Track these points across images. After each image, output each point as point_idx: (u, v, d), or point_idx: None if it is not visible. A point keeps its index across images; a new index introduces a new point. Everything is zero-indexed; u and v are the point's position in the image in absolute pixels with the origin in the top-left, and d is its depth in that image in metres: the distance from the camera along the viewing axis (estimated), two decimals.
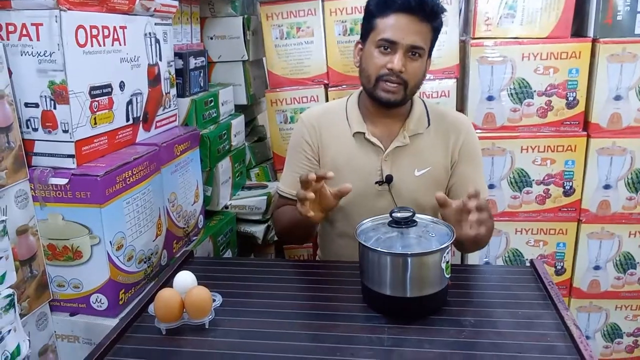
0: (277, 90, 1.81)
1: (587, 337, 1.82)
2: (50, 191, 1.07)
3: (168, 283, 1.09)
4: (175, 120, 1.50)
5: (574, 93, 1.65)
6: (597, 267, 1.77)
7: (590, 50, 1.62)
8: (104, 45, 1.15)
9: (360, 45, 1.29)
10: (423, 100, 1.36)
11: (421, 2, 1.17)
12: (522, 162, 1.71)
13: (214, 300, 1.01)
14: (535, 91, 1.66)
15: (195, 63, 1.62)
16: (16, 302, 0.92)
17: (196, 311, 0.97)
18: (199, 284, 1.01)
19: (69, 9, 1.03)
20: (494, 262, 1.80)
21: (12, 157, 1.01)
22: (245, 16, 1.87)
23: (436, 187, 1.31)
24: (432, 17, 1.20)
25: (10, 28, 1.03)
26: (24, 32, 1.03)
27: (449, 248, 0.99)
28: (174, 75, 1.48)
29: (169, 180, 1.36)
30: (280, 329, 0.98)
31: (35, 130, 1.08)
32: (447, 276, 1.00)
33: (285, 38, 1.78)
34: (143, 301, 1.06)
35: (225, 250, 1.72)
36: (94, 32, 1.11)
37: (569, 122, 1.68)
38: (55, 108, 1.06)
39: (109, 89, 1.17)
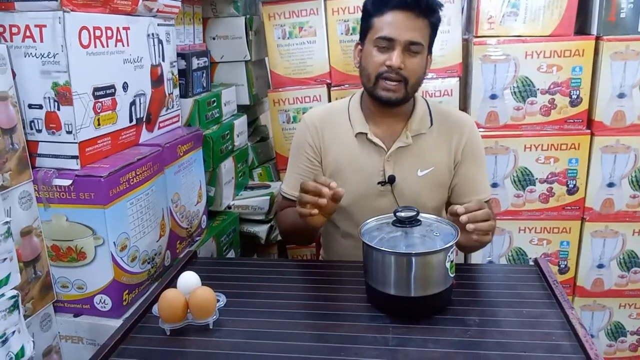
0: (280, 90, 1.81)
1: (591, 336, 1.81)
2: (54, 192, 1.08)
3: (172, 283, 1.09)
4: (178, 121, 1.50)
5: (578, 91, 1.65)
6: (600, 266, 1.76)
7: (593, 48, 1.61)
8: (107, 46, 1.15)
9: (359, 46, 1.28)
10: (426, 100, 1.35)
11: None
12: (525, 161, 1.71)
13: (218, 301, 1.01)
14: (538, 89, 1.66)
15: (198, 63, 1.62)
16: (20, 304, 0.92)
17: (200, 311, 0.97)
18: (202, 284, 1.01)
19: (72, 11, 1.03)
20: (497, 261, 1.80)
21: (16, 159, 1.02)
22: (248, 16, 1.87)
23: (439, 187, 1.31)
24: (428, 12, 1.20)
25: (14, 30, 1.03)
26: (28, 33, 1.03)
27: (454, 247, 0.99)
28: (177, 76, 1.48)
29: (172, 180, 1.37)
30: (285, 329, 0.98)
31: (39, 131, 1.08)
32: (452, 275, 1.00)
33: (288, 38, 1.78)
34: (147, 302, 1.06)
35: (228, 251, 1.72)
36: (97, 33, 1.11)
37: (572, 120, 1.67)
38: (59, 109, 1.06)
39: (113, 90, 1.17)
